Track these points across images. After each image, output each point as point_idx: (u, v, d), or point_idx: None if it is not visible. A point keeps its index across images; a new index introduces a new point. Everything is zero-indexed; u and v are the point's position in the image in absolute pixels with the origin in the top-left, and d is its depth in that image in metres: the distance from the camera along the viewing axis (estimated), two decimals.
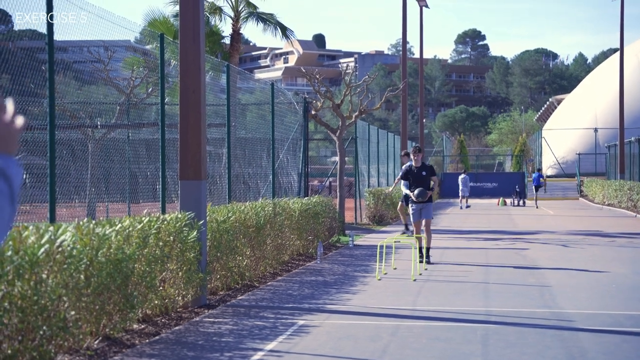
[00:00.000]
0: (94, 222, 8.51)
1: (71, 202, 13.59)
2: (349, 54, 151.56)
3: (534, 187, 41.33)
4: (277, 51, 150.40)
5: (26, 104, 11.41)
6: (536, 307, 10.98)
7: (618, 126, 45.46)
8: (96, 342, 8.36)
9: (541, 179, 41.46)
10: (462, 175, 40.88)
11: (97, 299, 8.15)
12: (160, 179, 12.08)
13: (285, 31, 27.65)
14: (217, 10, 26.72)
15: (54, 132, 9.23)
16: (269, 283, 13.38)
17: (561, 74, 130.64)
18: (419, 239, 16.06)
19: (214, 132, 16.41)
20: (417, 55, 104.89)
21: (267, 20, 27.33)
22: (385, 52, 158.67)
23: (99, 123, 15.82)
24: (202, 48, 11.46)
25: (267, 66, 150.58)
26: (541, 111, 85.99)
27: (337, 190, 24.57)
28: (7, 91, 10.38)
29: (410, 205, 16.63)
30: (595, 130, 62.70)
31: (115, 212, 16.29)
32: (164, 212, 11.77)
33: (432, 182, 16.47)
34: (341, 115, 24.17)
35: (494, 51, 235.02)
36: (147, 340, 8.82)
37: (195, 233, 10.68)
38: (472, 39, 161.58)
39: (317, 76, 23.65)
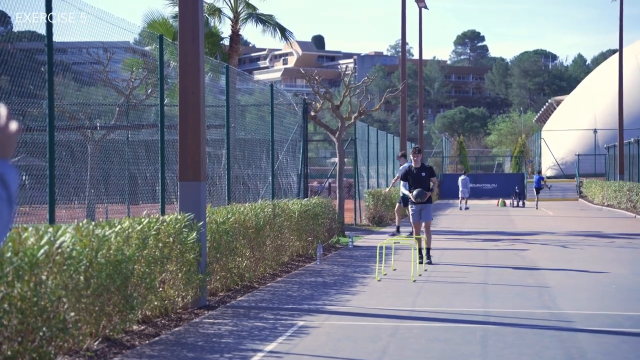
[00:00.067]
0: (93, 223, 8.52)
1: (70, 203, 13.59)
2: (348, 55, 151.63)
3: (534, 189, 41.35)
4: (276, 52, 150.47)
5: (25, 106, 11.41)
6: (535, 307, 10.99)
7: (617, 127, 45.47)
8: (96, 343, 8.37)
9: (542, 180, 41.47)
10: (462, 177, 40.89)
11: (96, 300, 8.15)
12: (160, 180, 12.08)
13: (284, 32, 27.66)
14: (217, 11, 26.73)
15: (53, 133, 9.23)
16: (269, 284, 13.39)
17: (560, 75, 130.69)
18: (419, 240, 16.07)
19: (213, 134, 16.41)
20: (416, 56, 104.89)
21: (266, 21, 27.34)
22: (385, 53, 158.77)
23: (98, 124, 15.83)
24: (201, 49, 11.47)
25: (267, 67, 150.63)
26: (540, 112, 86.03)
27: (337, 191, 24.57)
28: (7, 92, 10.39)
29: (409, 205, 16.64)
30: (595, 131, 62.73)
31: (115, 214, 16.30)
32: (163, 213, 11.77)
33: (431, 183, 16.48)
34: (340, 117, 24.17)
35: (493, 52, 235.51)
36: (147, 342, 8.83)
37: (194, 234, 10.69)
38: (471, 40, 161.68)
39: (317, 77, 23.66)
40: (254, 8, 27.14)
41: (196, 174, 11.38)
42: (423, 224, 16.46)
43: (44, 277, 7.22)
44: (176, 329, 9.58)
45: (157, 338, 9.03)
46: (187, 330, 9.51)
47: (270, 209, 14.92)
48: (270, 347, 8.53)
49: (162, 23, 25.42)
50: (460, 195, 40.36)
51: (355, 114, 24.58)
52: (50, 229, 7.52)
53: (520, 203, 44.00)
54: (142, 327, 9.44)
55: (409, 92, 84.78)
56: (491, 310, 10.79)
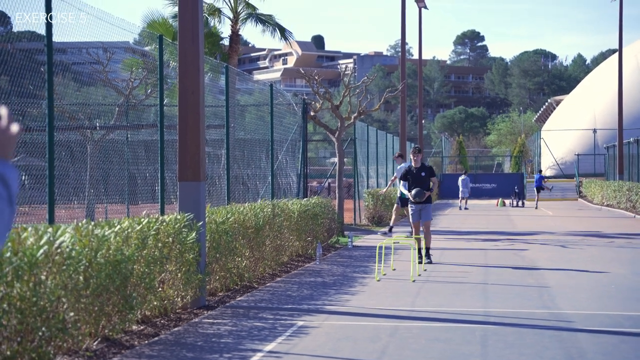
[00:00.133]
0: (92, 223, 8.52)
1: (70, 203, 13.59)
2: (347, 55, 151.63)
3: (535, 188, 41.32)
4: (276, 52, 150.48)
5: (25, 106, 11.41)
6: (535, 307, 10.99)
7: (617, 127, 45.48)
8: (95, 343, 8.37)
9: (543, 180, 41.45)
10: (463, 176, 40.89)
11: (96, 300, 8.15)
12: (159, 180, 12.08)
13: (284, 32, 27.66)
14: (216, 11, 26.73)
15: (52, 133, 9.23)
16: (268, 284, 13.39)
17: (560, 75, 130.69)
18: (418, 240, 16.07)
19: (212, 134, 16.41)
20: (416, 56, 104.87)
21: (266, 21, 27.34)
22: (384, 53, 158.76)
23: (97, 124, 15.83)
24: (201, 49, 11.47)
25: (266, 67, 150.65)
26: (540, 112, 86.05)
27: (336, 191, 24.57)
28: (6, 93, 10.39)
29: (409, 205, 16.64)
30: (594, 131, 62.74)
31: (114, 214, 16.30)
32: (162, 213, 11.77)
33: (431, 183, 16.48)
34: (340, 116, 24.17)
35: (493, 52, 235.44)
36: (146, 341, 8.83)
37: (194, 234, 10.69)
38: (470, 39, 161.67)
39: (316, 77, 23.65)
40: (254, 8, 27.13)
41: (196, 174, 11.38)
42: (422, 224, 16.46)
43: (43, 277, 7.22)
44: (175, 329, 9.58)
45: (156, 338, 9.03)
46: (186, 330, 9.51)
47: (269, 209, 14.92)
48: (270, 347, 8.53)
49: (162, 23, 25.41)
50: (460, 195, 40.37)
51: (355, 114, 24.58)
52: (50, 229, 7.52)
53: (520, 203, 44.00)
54: (142, 327, 9.44)
55: (409, 92, 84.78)
56: (491, 310, 10.79)
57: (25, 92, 10.57)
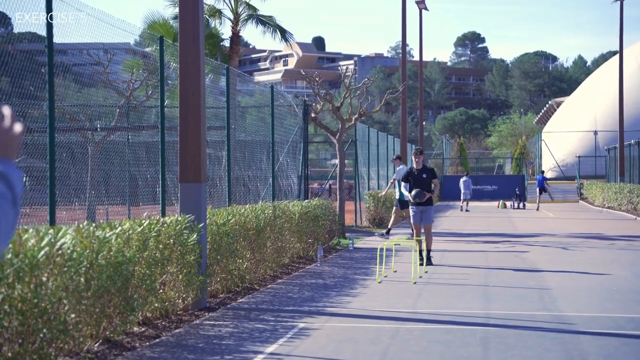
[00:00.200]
0: (94, 224, 8.51)
1: (71, 204, 13.59)
2: (348, 57, 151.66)
3: (537, 189, 41.26)
4: (276, 54, 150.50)
5: (26, 107, 11.40)
6: (536, 309, 10.98)
7: (618, 129, 45.49)
8: (96, 344, 8.35)
9: (545, 181, 41.36)
10: (464, 178, 40.88)
11: (97, 301, 8.14)
12: (160, 181, 12.08)
13: (284, 34, 27.66)
14: (217, 12, 26.74)
15: (53, 134, 9.22)
16: (269, 286, 13.38)
17: (561, 77, 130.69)
18: (419, 242, 16.06)
19: (213, 135, 16.41)
20: (416, 57, 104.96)
21: (266, 22, 27.34)
22: (385, 54, 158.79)
23: (98, 126, 15.83)
24: (201, 50, 11.46)
25: (267, 69, 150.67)
26: (541, 114, 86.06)
27: (337, 193, 24.56)
28: (7, 94, 10.38)
29: (410, 207, 16.63)
30: (595, 132, 62.72)
31: (115, 215, 16.30)
32: (163, 214, 11.76)
33: (432, 185, 16.48)
34: (341, 118, 24.17)
35: (494, 54, 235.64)
36: (148, 343, 8.82)
37: (195, 236, 10.68)
38: (471, 41, 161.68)
39: (317, 79, 23.65)
40: (255, 9, 27.14)
41: (197, 176, 11.37)
42: (424, 227, 16.45)
43: (44, 279, 7.21)
44: (177, 330, 9.57)
45: (157, 340, 9.02)
46: (187, 331, 9.50)
47: (270, 211, 14.91)
48: (271, 349, 8.52)
49: (163, 24, 25.42)
50: (461, 197, 40.35)
51: (356, 116, 24.57)
52: (51, 231, 7.51)
53: (521, 205, 43.97)
54: (143, 329, 9.43)
55: (410, 93, 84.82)
56: (492, 312, 10.77)
57: (26, 93, 10.56)
